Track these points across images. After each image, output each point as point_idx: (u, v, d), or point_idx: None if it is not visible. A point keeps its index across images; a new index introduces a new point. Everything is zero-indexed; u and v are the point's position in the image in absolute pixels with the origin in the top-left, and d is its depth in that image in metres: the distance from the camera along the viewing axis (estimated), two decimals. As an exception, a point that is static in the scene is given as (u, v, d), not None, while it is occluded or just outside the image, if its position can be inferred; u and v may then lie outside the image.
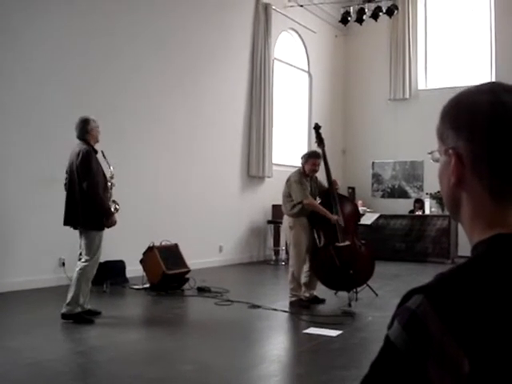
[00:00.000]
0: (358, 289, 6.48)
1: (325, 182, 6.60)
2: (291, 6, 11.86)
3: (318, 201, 6.53)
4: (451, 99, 0.91)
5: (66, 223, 5.40)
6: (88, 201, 5.26)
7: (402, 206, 12.80)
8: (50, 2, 7.21)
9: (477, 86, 0.89)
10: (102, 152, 5.65)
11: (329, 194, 6.46)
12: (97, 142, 5.57)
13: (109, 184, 5.61)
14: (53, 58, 7.21)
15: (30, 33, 6.93)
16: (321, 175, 6.68)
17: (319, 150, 6.63)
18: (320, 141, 6.70)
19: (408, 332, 0.75)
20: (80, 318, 5.24)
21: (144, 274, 7.24)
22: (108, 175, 5.64)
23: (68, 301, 5.26)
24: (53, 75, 7.20)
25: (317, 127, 6.78)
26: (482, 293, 0.75)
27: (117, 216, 5.68)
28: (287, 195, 6.43)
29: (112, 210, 5.53)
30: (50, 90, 7.16)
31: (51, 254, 7.02)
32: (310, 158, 6.46)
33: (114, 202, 5.64)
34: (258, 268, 10.13)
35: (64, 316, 5.24)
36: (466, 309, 0.74)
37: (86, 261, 5.34)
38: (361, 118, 14.13)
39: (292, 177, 6.46)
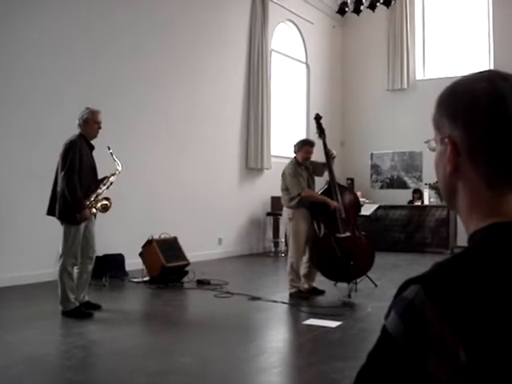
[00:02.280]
0: (358, 280, 6.49)
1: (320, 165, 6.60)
2: (288, -3, 11.81)
3: (319, 191, 6.52)
4: (447, 87, 0.90)
5: (48, 213, 5.35)
6: (64, 192, 5.15)
7: (401, 197, 12.81)
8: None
9: (473, 74, 0.88)
10: (108, 147, 5.55)
11: (329, 185, 6.46)
12: (93, 136, 5.41)
13: (105, 181, 5.48)
14: (49, 50, 7.17)
15: (27, 26, 6.89)
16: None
17: (320, 141, 6.60)
18: (321, 131, 6.63)
19: (405, 322, 0.75)
20: (79, 312, 5.24)
21: (143, 267, 7.24)
22: (110, 172, 5.52)
23: (59, 299, 5.27)
24: (50, 67, 7.17)
25: (317, 117, 6.69)
26: (479, 282, 0.74)
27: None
28: (284, 188, 6.43)
29: (98, 206, 5.38)
30: (46, 82, 7.12)
31: (50, 248, 6.97)
32: (305, 145, 6.43)
33: (106, 198, 5.46)
34: (258, 260, 10.14)
35: (63, 313, 5.25)
36: (462, 298, 0.73)
37: (61, 256, 5.27)
38: (359, 108, 14.09)
39: (286, 170, 6.44)
